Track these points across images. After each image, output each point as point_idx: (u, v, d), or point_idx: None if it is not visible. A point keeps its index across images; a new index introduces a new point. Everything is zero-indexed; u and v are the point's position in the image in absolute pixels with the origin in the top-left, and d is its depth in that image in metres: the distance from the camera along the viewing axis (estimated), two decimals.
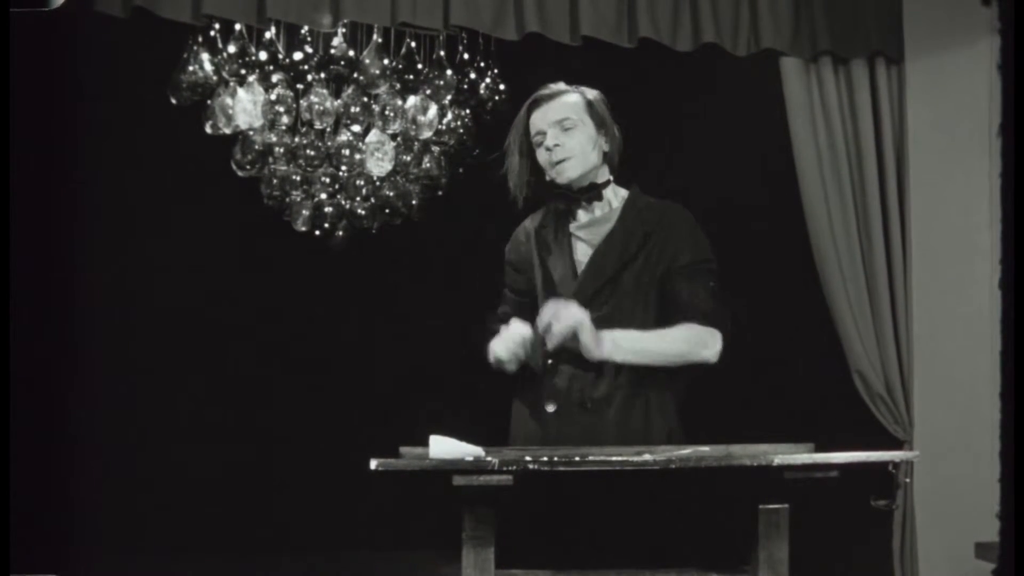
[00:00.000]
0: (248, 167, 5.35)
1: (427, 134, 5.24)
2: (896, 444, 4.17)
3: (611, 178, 3.29)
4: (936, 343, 4.24)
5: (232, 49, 4.91)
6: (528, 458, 2.61)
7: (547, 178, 3.26)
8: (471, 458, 2.60)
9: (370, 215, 5.69)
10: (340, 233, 5.78)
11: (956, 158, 4.25)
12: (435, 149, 5.56)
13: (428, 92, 5.11)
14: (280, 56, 4.94)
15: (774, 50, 4.16)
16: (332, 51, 4.95)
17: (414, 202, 5.72)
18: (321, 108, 5.03)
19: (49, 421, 5.27)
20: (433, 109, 5.17)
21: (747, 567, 2.75)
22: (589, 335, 3.02)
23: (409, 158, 5.53)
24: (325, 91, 5.04)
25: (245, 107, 4.98)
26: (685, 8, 4.04)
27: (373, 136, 5.24)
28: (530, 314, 3.19)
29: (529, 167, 3.28)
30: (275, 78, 5.00)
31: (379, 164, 5.25)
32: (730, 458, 2.67)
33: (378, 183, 5.55)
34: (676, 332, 3.12)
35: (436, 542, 3.66)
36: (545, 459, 2.61)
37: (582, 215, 3.28)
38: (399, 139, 5.38)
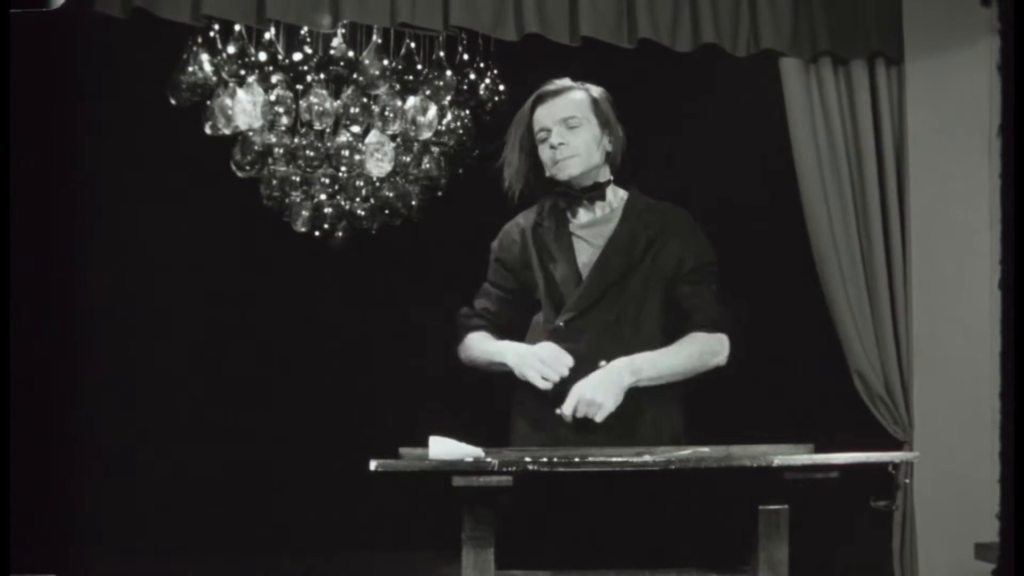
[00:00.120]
0: (248, 168, 5.35)
1: (427, 135, 5.23)
2: (896, 445, 4.17)
3: (611, 178, 3.28)
4: (936, 343, 4.24)
5: (232, 50, 4.90)
6: (528, 459, 2.61)
7: (547, 174, 3.23)
8: (471, 459, 2.60)
9: (370, 216, 5.68)
10: (340, 234, 5.77)
11: (956, 158, 4.25)
12: (435, 150, 5.55)
13: (428, 93, 5.10)
14: (280, 57, 4.94)
15: (774, 50, 4.16)
16: (332, 52, 4.94)
17: (414, 203, 5.72)
18: (321, 109, 5.02)
19: (49, 421, 5.25)
20: (433, 110, 5.16)
21: (747, 567, 2.76)
22: (616, 400, 3.02)
23: (409, 159, 5.53)
24: (325, 92, 5.03)
25: (245, 108, 4.97)
26: (685, 8, 4.04)
27: (373, 137, 5.23)
28: (512, 311, 3.21)
29: (528, 162, 3.26)
30: (275, 79, 4.99)
31: (379, 165, 5.24)
32: (730, 459, 2.68)
33: (378, 184, 5.55)
34: (688, 347, 3.12)
35: (436, 542, 3.65)
36: (545, 460, 2.61)
37: (583, 214, 3.25)
38: (399, 140, 5.37)
